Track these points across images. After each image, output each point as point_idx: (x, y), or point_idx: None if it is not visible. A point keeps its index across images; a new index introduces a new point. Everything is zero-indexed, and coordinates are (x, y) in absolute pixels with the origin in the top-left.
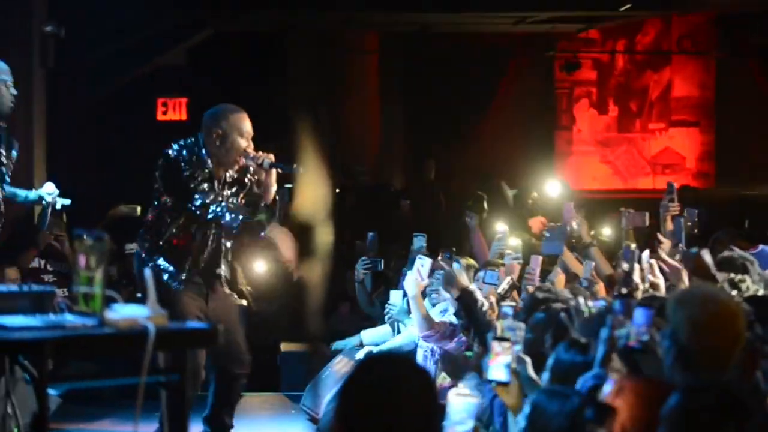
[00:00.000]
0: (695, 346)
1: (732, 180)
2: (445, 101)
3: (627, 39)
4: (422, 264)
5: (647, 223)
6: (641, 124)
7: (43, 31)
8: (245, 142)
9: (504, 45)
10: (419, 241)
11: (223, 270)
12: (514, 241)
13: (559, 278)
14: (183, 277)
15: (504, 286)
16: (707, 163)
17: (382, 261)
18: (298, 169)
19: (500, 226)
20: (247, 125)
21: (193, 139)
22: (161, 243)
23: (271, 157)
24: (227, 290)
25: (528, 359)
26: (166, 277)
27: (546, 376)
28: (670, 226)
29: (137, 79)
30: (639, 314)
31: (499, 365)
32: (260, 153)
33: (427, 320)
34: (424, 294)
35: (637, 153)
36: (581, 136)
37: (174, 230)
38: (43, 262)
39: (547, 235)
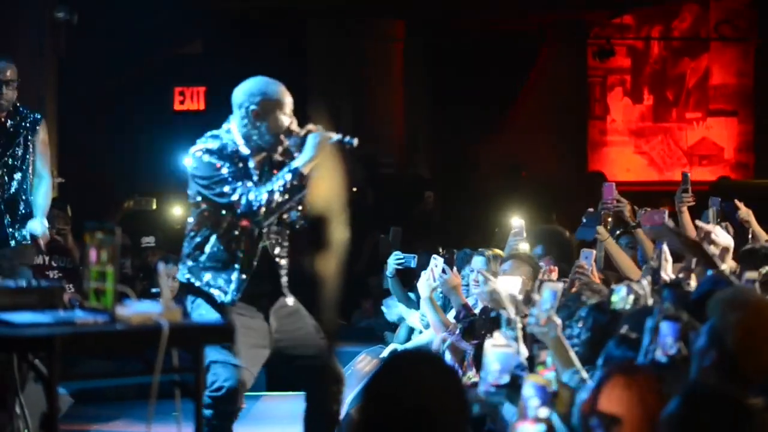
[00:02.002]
0: (743, 352)
1: None
2: (472, 91)
3: (663, 25)
4: (436, 264)
5: (665, 220)
6: (677, 113)
7: (54, 18)
8: (288, 119)
9: (534, 31)
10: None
11: (282, 278)
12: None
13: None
14: (234, 292)
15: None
16: (746, 153)
17: (416, 258)
18: (352, 141)
19: (516, 221)
20: (288, 98)
21: (221, 129)
22: (204, 258)
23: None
24: (290, 300)
25: (558, 321)
26: (216, 294)
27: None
28: (687, 217)
29: (153, 67)
30: (665, 327)
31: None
32: (309, 127)
33: (443, 320)
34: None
35: (674, 143)
36: (615, 126)
37: (217, 240)
38: (47, 258)
39: (584, 220)
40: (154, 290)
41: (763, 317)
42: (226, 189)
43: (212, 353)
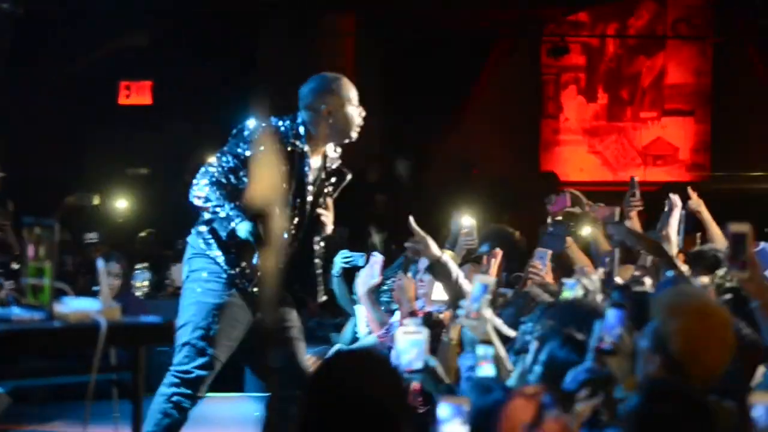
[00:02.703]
0: (687, 357)
1: (728, 173)
2: (424, 88)
3: (618, 22)
4: (375, 261)
5: (617, 218)
6: (632, 112)
7: None
8: (358, 113)
9: (487, 28)
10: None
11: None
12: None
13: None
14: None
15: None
16: (702, 154)
17: (364, 256)
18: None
19: (466, 220)
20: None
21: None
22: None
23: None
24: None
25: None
26: (226, 269)
27: (538, 369)
28: (636, 222)
29: (99, 60)
30: (611, 315)
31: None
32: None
33: (380, 319)
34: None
35: (628, 143)
36: (568, 124)
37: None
38: None
39: (550, 229)
40: (95, 288)
41: (704, 323)
42: (238, 176)
43: (191, 334)
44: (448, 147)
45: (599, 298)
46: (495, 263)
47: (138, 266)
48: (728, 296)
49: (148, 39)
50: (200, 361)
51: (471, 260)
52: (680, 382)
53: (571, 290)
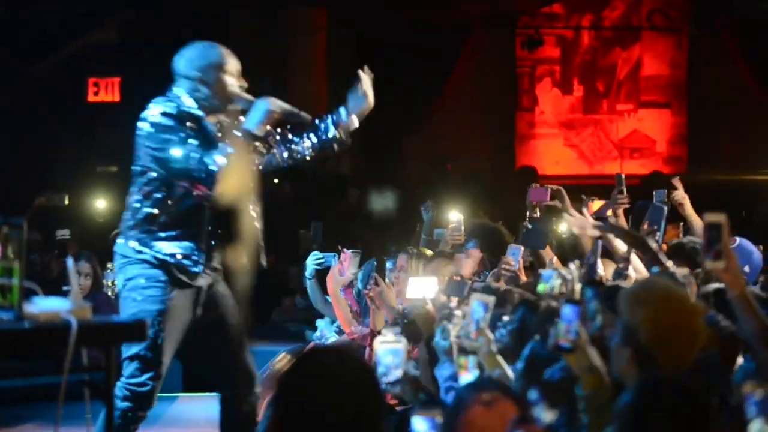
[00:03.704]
0: (655, 346)
1: (705, 165)
2: (398, 82)
3: (593, 14)
4: (344, 259)
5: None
6: (608, 105)
7: None
8: (234, 81)
9: (461, 21)
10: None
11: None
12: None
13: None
14: (201, 264)
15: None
16: (679, 146)
17: (336, 256)
18: (307, 117)
19: (454, 215)
20: (232, 59)
21: (170, 93)
22: (158, 228)
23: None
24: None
25: (491, 335)
26: (182, 262)
27: (520, 365)
28: (622, 220)
29: (66, 58)
30: (567, 311)
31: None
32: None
33: (348, 318)
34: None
35: (604, 136)
36: (544, 117)
37: (173, 209)
38: None
39: (529, 226)
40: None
41: (670, 309)
42: (183, 153)
43: (139, 346)
44: (423, 142)
45: (578, 287)
46: (469, 264)
47: (109, 265)
48: (711, 288)
49: (115, 36)
50: (152, 372)
51: (441, 254)
52: (673, 377)
53: (547, 282)
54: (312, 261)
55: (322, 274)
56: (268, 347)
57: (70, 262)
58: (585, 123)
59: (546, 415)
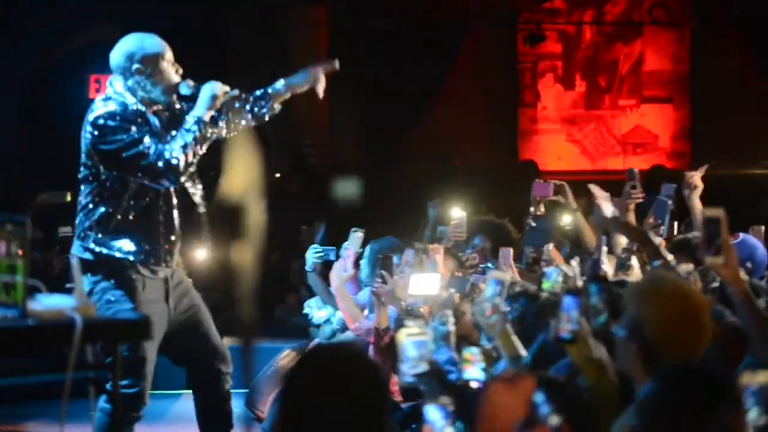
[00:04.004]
0: (663, 343)
1: (708, 160)
2: (399, 78)
3: (595, 9)
4: (348, 254)
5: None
6: (611, 100)
7: None
8: (173, 69)
9: (462, 16)
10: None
11: (178, 248)
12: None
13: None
14: (160, 257)
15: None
16: (682, 141)
17: (335, 250)
18: (234, 92)
19: (456, 212)
20: (168, 48)
21: (107, 92)
22: (115, 227)
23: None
24: (186, 277)
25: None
26: (136, 258)
27: (527, 359)
28: (632, 215)
29: (68, 54)
30: (568, 302)
31: (474, 369)
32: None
33: (353, 313)
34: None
35: (607, 131)
36: (546, 113)
37: (130, 207)
38: None
39: (533, 224)
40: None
41: (679, 307)
42: (141, 149)
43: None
44: (424, 138)
45: (580, 283)
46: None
47: None
48: (715, 284)
49: (117, 32)
50: (139, 372)
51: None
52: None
53: (551, 280)
54: (312, 254)
55: (324, 267)
56: (272, 344)
57: (73, 259)
58: (587, 118)
59: (552, 417)
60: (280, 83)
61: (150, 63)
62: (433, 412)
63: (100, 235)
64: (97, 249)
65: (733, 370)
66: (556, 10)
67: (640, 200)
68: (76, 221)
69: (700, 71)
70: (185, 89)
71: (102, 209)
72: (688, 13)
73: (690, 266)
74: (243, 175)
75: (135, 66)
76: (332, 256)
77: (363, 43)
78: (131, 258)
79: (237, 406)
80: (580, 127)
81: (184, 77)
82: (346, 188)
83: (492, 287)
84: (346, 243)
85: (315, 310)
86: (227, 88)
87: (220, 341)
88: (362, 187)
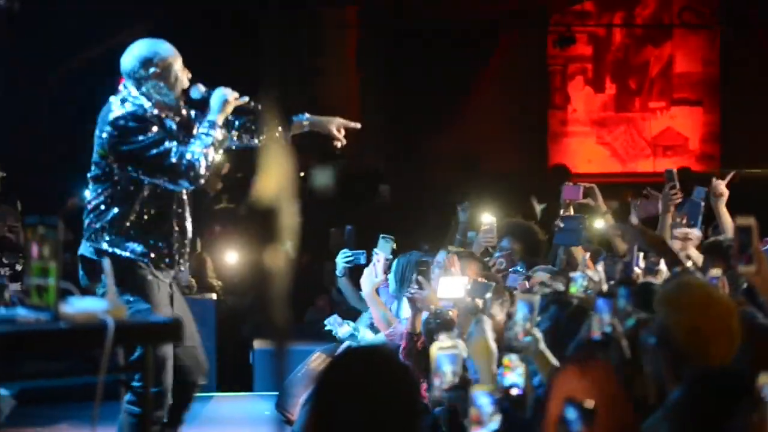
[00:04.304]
0: (691, 348)
1: (738, 162)
2: (429, 80)
3: (625, 11)
4: (378, 260)
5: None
6: (641, 102)
7: None
8: (183, 74)
9: (492, 19)
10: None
11: (188, 253)
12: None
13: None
14: (176, 256)
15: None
16: (711, 144)
17: (365, 254)
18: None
19: (486, 217)
20: (177, 53)
21: (122, 95)
22: (129, 227)
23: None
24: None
25: (539, 334)
26: (146, 261)
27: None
28: (669, 218)
29: (97, 58)
30: (601, 304)
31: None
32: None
33: (384, 318)
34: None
35: (637, 134)
36: (576, 116)
37: (145, 208)
38: None
39: (561, 225)
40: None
41: (707, 313)
42: (163, 150)
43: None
44: (453, 141)
45: (605, 288)
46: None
47: None
48: (746, 285)
49: (146, 34)
50: (162, 371)
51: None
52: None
53: (577, 284)
54: (341, 259)
55: (355, 271)
56: (303, 347)
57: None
58: (617, 121)
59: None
60: (304, 116)
61: (166, 67)
62: (482, 398)
63: (113, 237)
64: (110, 250)
65: (763, 371)
66: (586, 12)
67: (679, 200)
68: (85, 221)
69: (730, 73)
70: (196, 93)
71: (115, 210)
72: (718, 15)
73: (719, 271)
74: (276, 177)
75: (153, 70)
76: (362, 260)
77: (392, 45)
78: (145, 260)
79: (267, 408)
80: (610, 130)
81: (193, 82)
82: (322, 177)
83: (522, 310)
84: (375, 249)
85: (337, 327)
86: (237, 95)
87: (203, 355)
88: (389, 190)
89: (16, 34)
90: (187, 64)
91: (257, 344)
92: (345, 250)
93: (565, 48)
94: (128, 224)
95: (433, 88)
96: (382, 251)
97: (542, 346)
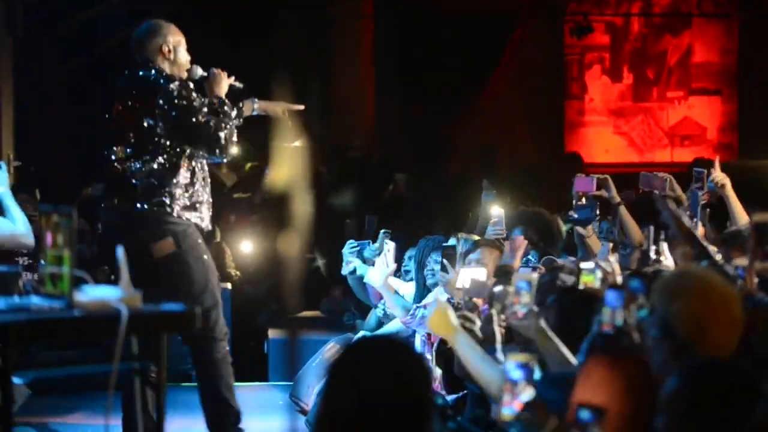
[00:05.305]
0: (693, 338)
1: (756, 152)
2: (444, 70)
3: (643, 0)
4: (388, 249)
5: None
6: (658, 92)
7: None
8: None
9: (508, 8)
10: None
11: None
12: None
13: None
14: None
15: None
16: (729, 134)
17: (370, 243)
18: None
19: (495, 210)
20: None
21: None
22: (182, 192)
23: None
24: None
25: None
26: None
27: (580, 359)
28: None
29: (114, 47)
30: (611, 297)
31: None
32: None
33: (400, 305)
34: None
35: (654, 124)
36: (593, 105)
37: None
38: None
39: (575, 215)
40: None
41: (707, 301)
42: (204, 119)
43: (213, 297)
44: (470, 131)
45: (619, 279)
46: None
47: None
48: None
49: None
50: (223, 319)
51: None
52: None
53: (591, 275)
54: (348, 250)
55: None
56: (318, 336)
57: (119, 250)
58: (635, 111)
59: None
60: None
61: (177, 47)
62: (514, 371)
63: (177, 204)
64: (176, 214)
65: None
66: (604, 1)
67: (705, 201)
68: (145, 183)
69: (749, 63)
70: (197, 74)
71: (177, 179)
72: (737, 4)
73: (744, 261)
74: (290, 167)
75: (166, 49)
76: (368, 250)
77: (408, 36)
78: (198, 225)
79: (282, 398)
80: (628, 120)
81: (205, 69)
82: (344, 198)
83: (521, 288)
84: (385, 240)
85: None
86: (232, 79)
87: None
88: (405, 179)
89: (34, 26)
90: (201, 53)
91: (272, 334)
92: (350, 240)
93: (583, 37)
94: (185, 193)
95: (449, 78)
96: (387, 243)
97: (542, 323)
